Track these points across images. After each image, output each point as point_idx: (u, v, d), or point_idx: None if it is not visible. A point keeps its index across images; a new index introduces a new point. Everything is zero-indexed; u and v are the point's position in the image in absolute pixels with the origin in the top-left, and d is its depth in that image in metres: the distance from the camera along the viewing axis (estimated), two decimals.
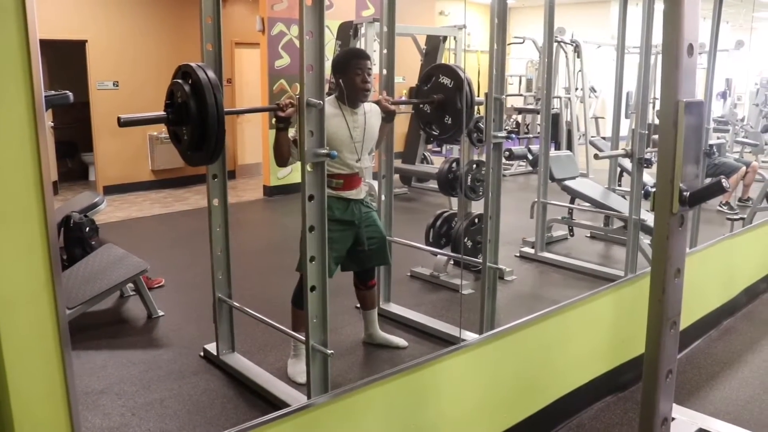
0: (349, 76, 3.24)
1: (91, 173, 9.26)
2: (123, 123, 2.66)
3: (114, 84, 8.32)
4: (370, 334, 3.81)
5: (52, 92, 4.44)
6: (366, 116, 3.35)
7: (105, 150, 8.43)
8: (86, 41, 8.03)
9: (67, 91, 4.27)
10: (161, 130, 8.76)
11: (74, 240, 4.76)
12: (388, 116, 3.51)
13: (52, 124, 8.31)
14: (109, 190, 8.35)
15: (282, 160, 3.19)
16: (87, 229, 4.81)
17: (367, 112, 3.38)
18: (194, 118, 2.70)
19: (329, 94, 3.18)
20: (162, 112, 2.82)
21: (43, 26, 7.27)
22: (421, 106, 3.93)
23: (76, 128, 9.28)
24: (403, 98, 9.26)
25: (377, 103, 3.46)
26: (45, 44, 7.55)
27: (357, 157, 3.31)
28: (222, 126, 2.73)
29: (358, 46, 7.87)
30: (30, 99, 1.58)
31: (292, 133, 3.12)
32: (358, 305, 3.86)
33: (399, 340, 3.80)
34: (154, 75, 8.59)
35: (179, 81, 2.77)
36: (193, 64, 2.76)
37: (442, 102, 3.80)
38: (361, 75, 3.25)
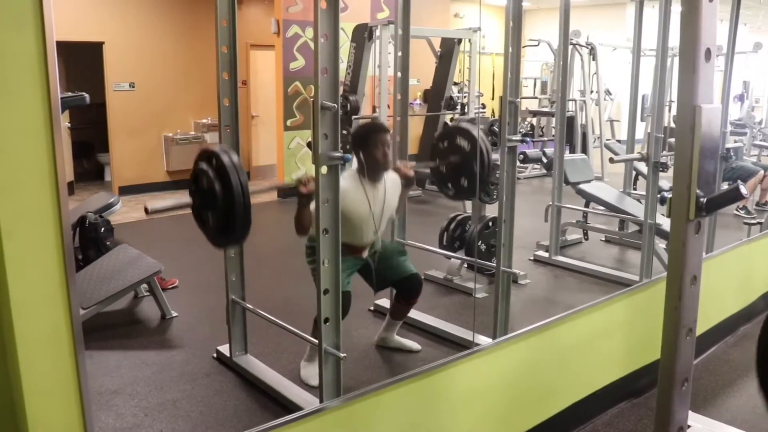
0: (370, 150, 3.27)
1: (107, 174, 9.32)
2: (151, 212, 2.70)
3: (130, 85, 8.37)
4: (384, 337, 3.80)
5: (69, 94, 4.48)
6: (386, 188, 3.40)
7: (121, 151, 8.49)
8: (103, 43, 8.09)
9: (84, 93, 4.31)
10: (177, 131, 8.81)
11: (89, 240, 4.79)
12: (407, 182, 3.56)
13: (69, 124, 8.38)
14: (125, 190, 8.40)
15: (303, 231, 3.21)
16: (102, 229, 4.84)
17: (387, 184, 3.41)
18: (220, 204, 2.68)
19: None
20: (188, 198, 2.82)
21: (61, 28, 7.32)
22: (437, 163, 3.95)
23: (92, 129, 9.35)
24: (410, 161, 9.30)
25: (396, 170, 3.48)
26: (62, 46, 7.64)
27: (375, 229, 3.38)
28: (248, 212, 2.69)
29: (372, 48, 7.89)
30: (46, 101, 1.59)
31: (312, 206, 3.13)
32: (372, 308, 3.86)
33: (412, 344, 3.79)
34: (170, 77, 8.64)
35: (204, 166, 2.76)
36: (217, 149, 2.75)
37: (458, 164, 3.78)
38: (381, 149, 3.27)
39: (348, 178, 3.27)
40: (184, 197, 2.80)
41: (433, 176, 4.07)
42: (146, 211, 2.66)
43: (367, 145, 3.28)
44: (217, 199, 2.67)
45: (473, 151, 3.66)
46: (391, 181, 3.44)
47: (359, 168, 3.33)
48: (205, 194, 2.73)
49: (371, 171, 3.29)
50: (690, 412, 1.90)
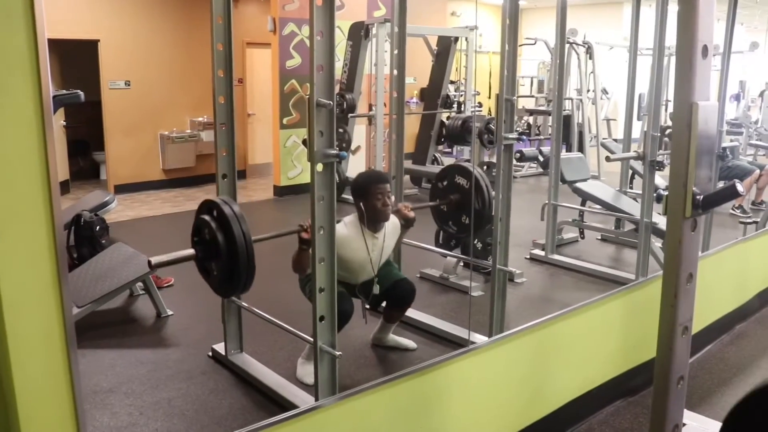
0: (370, 201, 3.31)
1: (103, 172, 9.29)
2: (155, 266, 2.68)
3: (126, 83, 8.35)
4: (380, 337, 3.80)
5: (64, 91, 4.46)
6: (385, 236, 3.45)
7: (116, 149, 8.46)
8: (98, 41, 8.07)
9: (78, 91, 4.29)
10: (173, 130, 8.79)
11: (84, 239, 4.77)
12: (407, 223, 3.58)
13: (65, 123, 8.35)
14: (120, 189, 8.38)
15: (301, 271, 3.31)
16: (97, 227, 4.82)
17: (387, 230, 3.46)
18: (223, 255, 2.73)
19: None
20: (191, 251, 2.83)
21: (56, 26, 7.34)
22: (440, 206, 4.05)
23: (87, 127, 9.31)
24: (414, 199, 9.28)
25: (397, 212, 3.52)
26: (57, 44, 7.63)
27: (372, 275, 3.46)
28: (252, 260, 2.75)
29: (369, 46, 7.88)
30: (38, 97, 1.57)
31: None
32: (367, 306, 3.85)
33: (408, 342, 3.79)
34: (166, 75, 8.62)
35: (205, 217, 2.79)
36: (217, 200, 2.80)
37: (459, 202, 3.90)
38: (381, 199, 3.31)
39: (349, 226, 3.36)
40: (186, 250, 2.82)
41: (434, 215, 4.14)
42: (150, 265, 2.67)
43: (368, 196, 3.32)
44: (220, 249, 2.72)
45: (472, 190, 3.77)
46: (391, 225, 3.50)
47: (360, 216, 3.38)
48: (208, 245, 2.77)
49: (371, 221, 3.35)
50: (685, 410, 1.90)
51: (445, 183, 3.98)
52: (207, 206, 2.84)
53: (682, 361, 1.67)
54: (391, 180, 4.13)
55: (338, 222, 3.23)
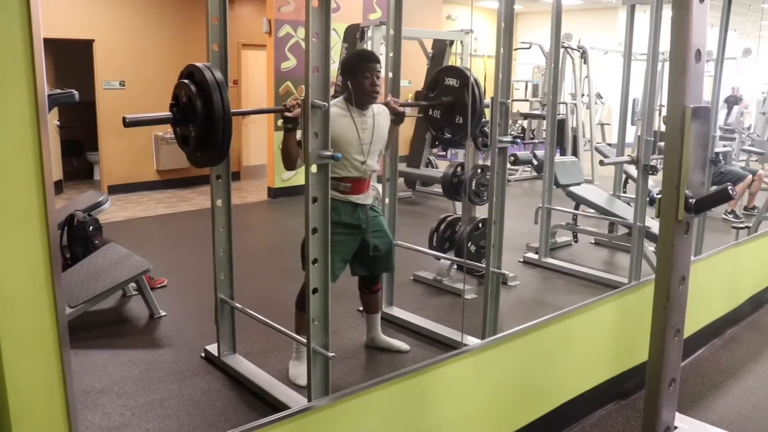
0: (358, 79, 3.21)
1: (96, 172, 9.27)
2: (128, 123, 2.64)
3: (120, 84, 8.33)
4: (372, 337, 3.79)
5: (58, 91, 4.45)
6: (375, 118, 3.31)
7: (110, 149, 8.44)
8: (93, 41, 8.05)
9: (73, 90, 4.27)
10: (167, 131, 8.77)
11: (77, 239, 4.75)
12: (396, 118, 3.50)
13: (58, 122, 8.33)
14: (114, 189, 8.35)
15: (290, 162, 3.15)
16: (90, 228, 4.81)
17: (376, 114, 3.33)
18: (200, 117, 2.69)
19: (335, 96, 3.17)
20: (168, 113, 2.82)
21: (50, 25, 7.32)
22: (431, 113, 3.92)
23: (81, 127, 9.29)
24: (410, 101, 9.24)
25: (386, 105, 3.45)
26: (52, 43, 7.60)
27: (364, 159, 3.27)
28: (229, 123, 2.72)
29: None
30: (33, 97, 1.57)
31: (299, 135, 3.10)
32: (361, 308, 3.85)
33: (401, 344, 3.78)
34: (160, 75, 8.59)
35: (185, 81, 2.77)
36: (198, 64, 2.77)
37: (451, 104, 3.78)
38: (370, 78, 3.21)
39: (336, 105, 3.21)
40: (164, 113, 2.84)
41: (431, 128, 4.04)
42: (124, 121, 2.63)
43: (356, 73, 3.21)
44: (197, 110, 2.69)
45: (462, 86, 3.68)
46: (381, 113, 3.38)
47: (347, 96, 3.27)
48: (185, 108, 2.75)
49: (359, 100, 3.24)
50: (677, 413, 1.90)
51: (435, 91, 3.87)
52: (188, 71, 2.81)
53: (674, 363, 1.68)
54: (385, 182, 4.14)
55: None
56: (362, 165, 3.27)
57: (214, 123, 2.69)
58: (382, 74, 3.51)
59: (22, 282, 1.63)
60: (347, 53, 3.47)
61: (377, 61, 3.29)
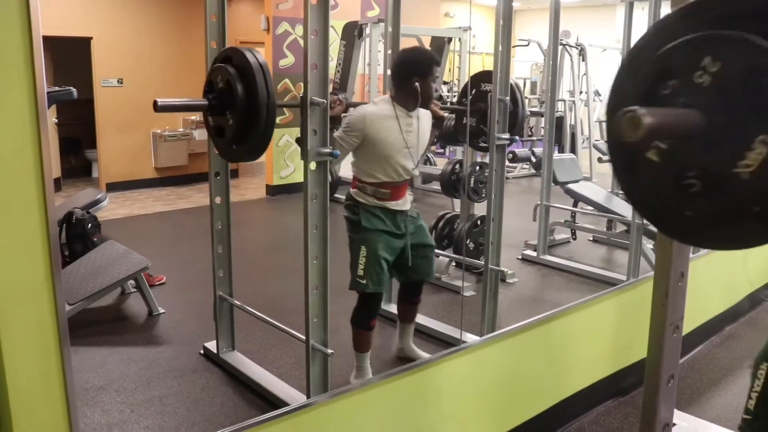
0: (427, 81, 3.02)
1: (95, 170, 9.27)
2: (160, 108, 2.39)
3: (118, 81, 8.32)
4: (403, 347, 3.63)
5: (56, 88, 4.44)
6: (419, 120, 3.13)
7: (108, 147, 8.44)
8: (91, 38, 8.04)
9: (71, 88, 4.27)
10: (165, 128, 8.77)
11: (76, 236, 4.75)
12: (438, 122, 3.44)
13: (56, 120, 8.32)
14: (112, 187, 8.35)
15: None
16: (89, 225, 4.81)
17: (420, 116, 3.15)
18: (241, 103, 2.44)
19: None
20: (202, 99, 2.58)
21: (49, 23, 7.30)
22: (464, 122, 3.86)
23: (80, 125, 9.29)
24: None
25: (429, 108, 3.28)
26: (50, 41, 7.59)
27: (412, 165, 3.13)
28: (273, 111, 2.47)
29: (362, 46, 7.88)
30: (32, 95, 1.58)
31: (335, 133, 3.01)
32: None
33: (426, 356, 3.67)
34: (158, 73, 8.60)
35: (222, 65, 2.52)
36: (237, 47, 2.55)
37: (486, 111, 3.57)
38: (431, 82, 3.05)
39: (379, 103, 3.06)
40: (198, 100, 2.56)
41: (458, 133, 3.94)
42: (155, 105, 2.37)
43: (425, 75, 3.00)
44: (237, 95, 2.42)
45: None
46: (422, 115, 3.18)
47: (396, 95, 3.06)
48: (223, 93, 2.48)
49: (411, 102, 3.03)
50: (675, 410, 1.91)
51: (471, 96, 3.74)
52: (224, 55, 2.56)
53: (673, 359, 1.69)
54: None
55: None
56: (406, 169, 3.12)
57: (258, 110, 2.43)
58: (380, 71, 3.50)
59: (23, 279, 1.63)
60: (407, 52, 3.30)
61: (439, 63, 3.15)
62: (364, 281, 3.08)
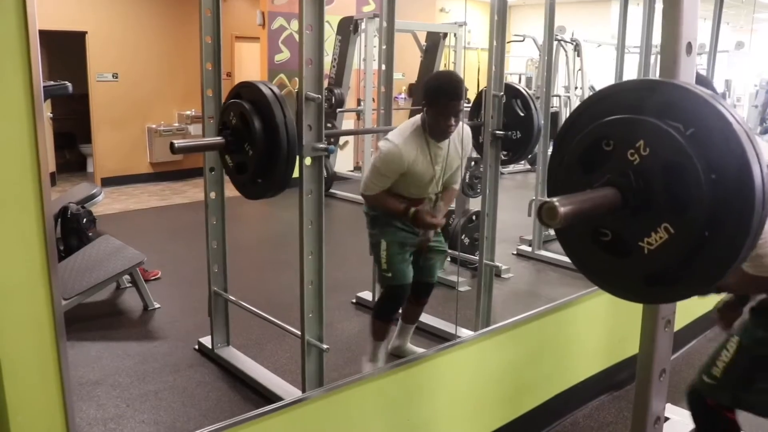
0: (445, 115, 2.88)
1: (90, 165, 9.24)
2: (177, 150, 2.40)
3: (113, 76, 8.30)
4: (400, 345, 3.58)
5: (51, 83, 4.43)
6: (451, 143, 3.02)
7: (103, 142, 8.42)
8: (86, 33, 8.01)
9: (66, 82, 4.25)
10: (160, 123, 8.75)
11: (71, 231, 4.75)
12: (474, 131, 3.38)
13: (51, 115, 8.29)
14: (107, 182, 8.34)
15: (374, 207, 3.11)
16: (84, 220, 4.81)
17: (455, 138, 3.03)
18: (259, 138, 2.40)
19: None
20: (219, 138, 2.56)
21: (43, 17, 7.24)
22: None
23: (74, 120, 9.25)
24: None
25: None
26: (45, 35, 7.49)
27: (436, 189, 3.12)
28: (294, 145, 2.41)
29: (358, 41, 7.87)
30: (29, 89, 1.58)
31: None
32: (354, 300, 3.85)
33: (421, 350, 3.66)
34: (154, 67, 8.57)
35: (236, 100, 2.51)
36: (251, 81, 2.54)
37: (505, 124, 3.57)
38: (454, 117, 2.91)
39: (412, 136, 2.95)
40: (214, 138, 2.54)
41: (476, 146, 3.88)
42: (172, 147, 2.38)
43: (453, 113, 2.86)
44: (254, 131, 2.37)
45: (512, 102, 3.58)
46: (464, 134, 3.09)
47: (424, 124, 2.96)
48: (239, 129, 2.45)
49: (441, 135, 2.94)
50: (669, 404, 1.93)
51: (481, 109, 3.66)
52: (237, 91, 2.53)
53: (665, 353, 1.70)
54: None
55: (385, 140, 2.96)
56: (428, 192, 3.12)
57: (278, 143, 2.40)
58: (375, 67, 3.48)
59: (19, 273, 1.63)
60: (435, 76, 3.23)
61: (461, 98, 2.92)
62: (389, 274, 3.10)
